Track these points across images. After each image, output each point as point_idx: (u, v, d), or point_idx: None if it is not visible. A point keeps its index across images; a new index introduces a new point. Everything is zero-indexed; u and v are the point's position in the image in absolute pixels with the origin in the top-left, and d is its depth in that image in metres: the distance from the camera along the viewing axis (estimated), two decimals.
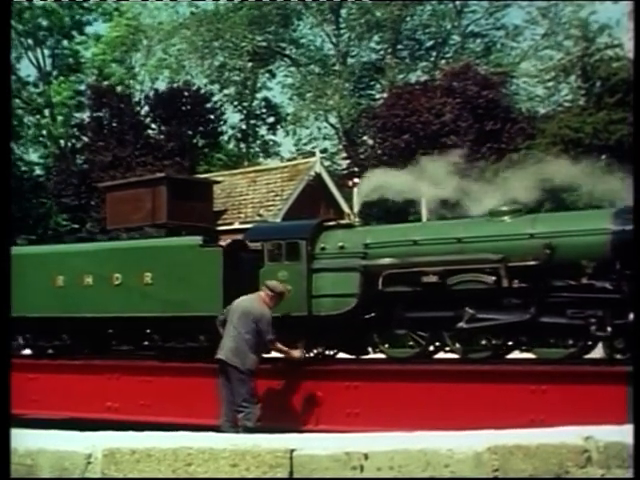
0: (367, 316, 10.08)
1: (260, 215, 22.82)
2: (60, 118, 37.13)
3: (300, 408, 10.09)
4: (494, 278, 9.23)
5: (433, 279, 9.52)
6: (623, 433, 4.62)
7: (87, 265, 11.93)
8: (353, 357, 10.81)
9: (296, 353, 9.81)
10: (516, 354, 9.97)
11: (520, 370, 9.26)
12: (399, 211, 27.35)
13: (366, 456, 4.60)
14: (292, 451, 4.68)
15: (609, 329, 8.61)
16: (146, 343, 12.14)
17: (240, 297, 9.59)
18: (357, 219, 11.22)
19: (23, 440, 5.12)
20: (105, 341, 12.61)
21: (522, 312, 9.08)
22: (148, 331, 11.96)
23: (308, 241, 10.22)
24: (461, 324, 9.26)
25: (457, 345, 9.71)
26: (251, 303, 9.46)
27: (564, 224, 9.18)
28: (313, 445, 4.78)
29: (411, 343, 9.97)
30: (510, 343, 9.76)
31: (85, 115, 33.89)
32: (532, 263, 9.01)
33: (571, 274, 9.08)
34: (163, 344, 11.43)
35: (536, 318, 9.01)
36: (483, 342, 9.72)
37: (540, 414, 8.48)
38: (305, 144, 39.38)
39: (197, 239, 11.29)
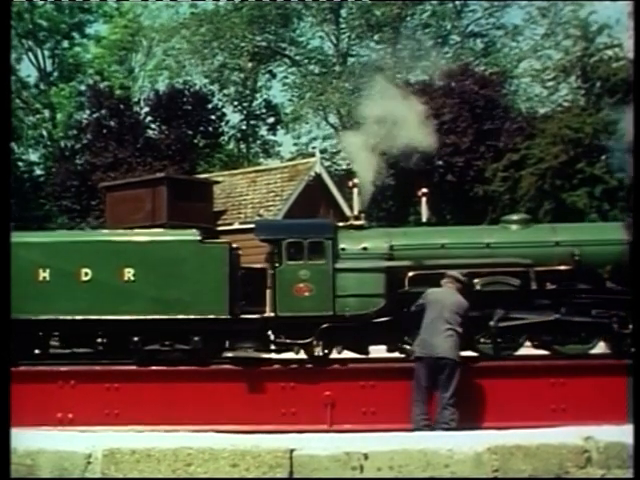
0: (385, 318, 10.17)
1: (260, 215, 22.80)
2: (60, 118, 37.08)
3: (313, 408, 9.98)
4: (520, 281, 9.97)
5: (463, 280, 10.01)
6: (623, 433, 4.63)
7: (42, 258, 10.31)
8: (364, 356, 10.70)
9: None
10: (522, 351, 10.43)
11: (540, 365, 10.06)
12: (398, 211, 27.39)
13: (366, 456, 4.61)
14: (292, 451, 4.69)
15: (631, 327, 9.57)
16: (101, 341, 10.63)
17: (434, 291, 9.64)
18: (364, 221, 11.19)
19: (23, 440, 5.12)
20: (46, 345, 10.77)
21: (551, 312, 9.89)
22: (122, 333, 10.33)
23: (333, 241, 10.29)
24: (493, 322, 9.85)
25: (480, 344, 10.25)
26: (455, 296, 9.56)
27: (585, 234, 10.32)
28: (313, 445, 4.78)
29: None
30: (536, 342, 10.43)
31: (85, 116, 33.83)
32: (561, 268, 9.92)
33: (594, 278, 10.03)
34: (142, 347, 10.17)
35: (566, 317, 9.85)
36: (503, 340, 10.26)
37: (561, 404, 9.57)
38: (305, 144, 39.39)
39: (195, 234, 10.48)
